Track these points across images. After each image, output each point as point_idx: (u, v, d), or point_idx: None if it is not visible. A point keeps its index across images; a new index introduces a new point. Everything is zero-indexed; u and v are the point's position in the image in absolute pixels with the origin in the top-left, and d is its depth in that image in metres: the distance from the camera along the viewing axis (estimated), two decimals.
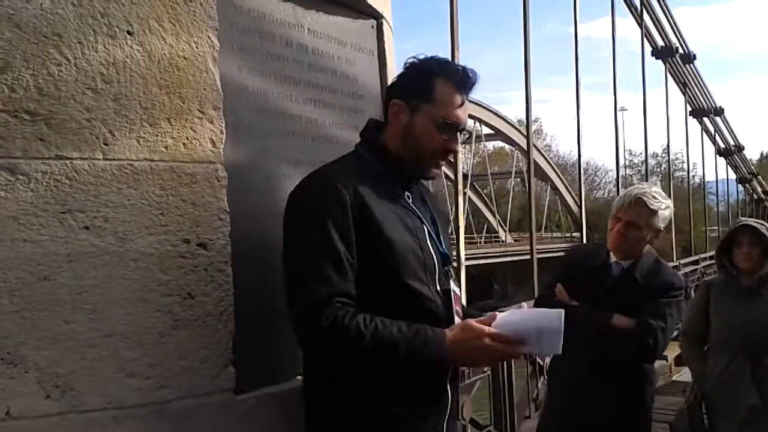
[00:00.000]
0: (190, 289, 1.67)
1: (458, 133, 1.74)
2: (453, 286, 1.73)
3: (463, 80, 1.72)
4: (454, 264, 1.84)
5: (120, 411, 1.59)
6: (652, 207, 2.63)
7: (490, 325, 1.58)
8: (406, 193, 1.75)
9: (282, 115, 1.98)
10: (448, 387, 1.68)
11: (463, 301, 1.79)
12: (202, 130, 1.74)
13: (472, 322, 1.60)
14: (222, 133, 1.77)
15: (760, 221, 3.38)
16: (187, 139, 1.72)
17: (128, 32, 1.67)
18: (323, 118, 2.11)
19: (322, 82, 2.13)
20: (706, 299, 3.42)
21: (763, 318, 3.16)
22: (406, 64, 1.78)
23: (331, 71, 2.17)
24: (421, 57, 1.76)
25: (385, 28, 2.44)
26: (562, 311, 1.60)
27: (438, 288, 1.68)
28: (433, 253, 1.70)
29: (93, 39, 1.62)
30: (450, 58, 6.25)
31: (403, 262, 1.62)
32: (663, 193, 2.73)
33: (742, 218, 3.62)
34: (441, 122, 1.69)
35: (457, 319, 1.69)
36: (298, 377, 1.78)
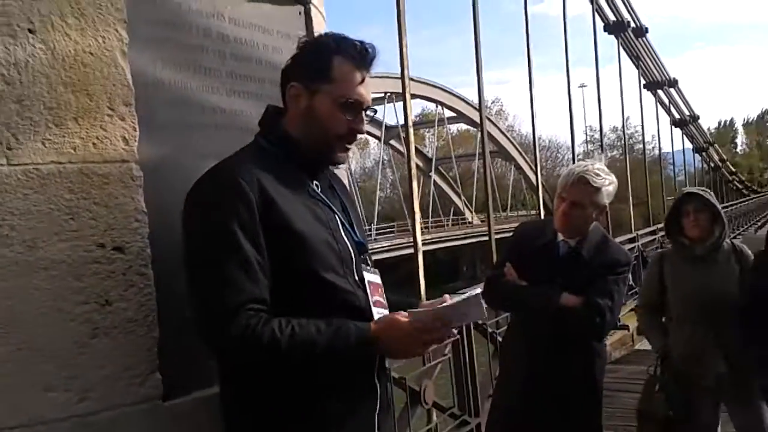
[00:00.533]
0: (107, 295, 1.60)
1: (363, 113, 1.66)
2: (369, 275, 1.67)
3: (362, 56, 1.64)
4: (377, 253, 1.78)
5: (39, 427, 1.52)
6: (595, 184, 2.62)
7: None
8: (314, 182, 1.67)
9: (203, 108, 1.90)
10: (376, 380, 1.62)
11: (382, 290, 1.72)
12: (112, 128, 1.66)
13: (400, 314, 1.55)
14: (135, 130, 1.69)
15: (704, 188, 3.40)
16: (97, 138, 1.64)
17: (29, 30, 1.58)
18: (249, 109, 2.03)
19: (247, 72, 2.06)
20: (659, 271, 3.42)
21: (719, 284, 3.17)
22: (299, 43, 1.69)
23: (256, 60, 2.10)
24: (315, 36, 1.68)
25: (314, 13, 2.37)
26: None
27: (356, 279, 1.62)
28: (348, 244, 1.64)
29: None
30: (398, 43, 6.21)
31: (317, 256, 1.55)
32: (606, 169, 2.71)
33: (686, 188, 3.62)
34: (343, 102, 1.62)
35: (375, 310, 1.63)
36: None
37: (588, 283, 2.62)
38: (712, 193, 3.36)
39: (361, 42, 1.65)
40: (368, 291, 1.64)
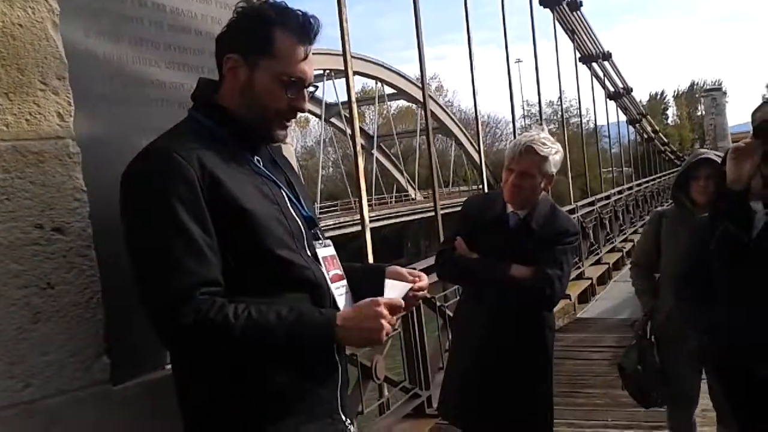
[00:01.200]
0: (48, 278, 1.53)
1: (305, 90, 1.60)
2: (323, 249, 1.64)
3: (305, 29, 1.55)
4: (321, 226, 1.72)
5: None
6: (542, 153, 2.64)
7: None
8: (255, 157, 1.61)
9: (141, 82, 1.83)
10: (336, 356, 1.60)
11: (338, 262, 1.69)
12: (46, 103, 1.58)
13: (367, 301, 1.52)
14: (70, 105, 1.61)
15: (718, 153, 3.24)
16: (30, 114, 1.55)
17: None
18: (189, 82, 1.94)
19: (186, 44, 1.98)
20: (657, 230, 3.40)
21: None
22: (236, 9, 1.59)
23: (195, 31, 2.02)
24: (255, 3, 1.59)
25: None
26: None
27: (309, 254, 1.59)
28: (297, 219, 1.60)
29: None
30: (338, 20, 6.12)
31: (269, 234, 1.49)
32: (551, 138, 2.73)
33: (701, 150, 3.46)
34: (286, 80, 1.55)
35: (333, 285, 1.61)
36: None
37: (537, 253, 2.65)
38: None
39: (304, 13, 1.57)
40: (323, 265, 1.61)
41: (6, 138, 1.52)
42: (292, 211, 1.60)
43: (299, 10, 1.58)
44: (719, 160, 3.08)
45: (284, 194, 1.61)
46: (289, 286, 1.50)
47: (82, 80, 1.66)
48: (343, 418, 1.62)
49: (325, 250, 1.66)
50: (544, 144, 2.64)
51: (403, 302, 1.55)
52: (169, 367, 1.65)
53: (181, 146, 1.46)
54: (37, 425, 1.51)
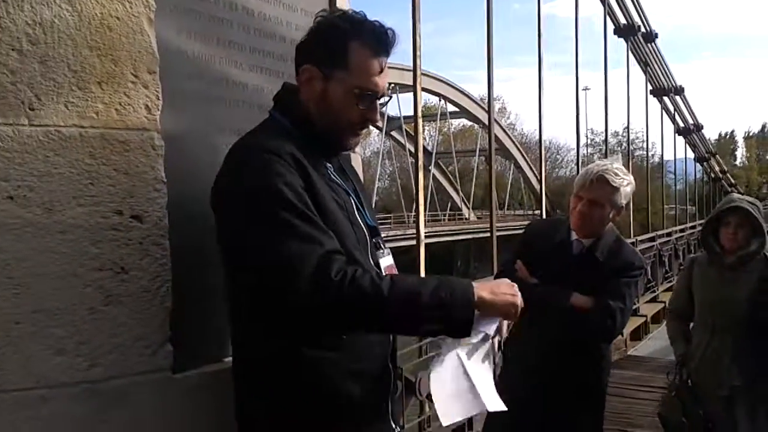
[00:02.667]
0: (123, 263, 1.59)
1: (378, 102, 1.61)
2: (384, 259, 1.65)
3: (382, 42, 1.55)
4: (383, 236, 1.74)
5: (49, 390, 1.52)
6: (614, 184, 2.60)
7: None
8: (327, 164, 1.63)
9: (225, 82, 1.89)
10: (390, 364, 1.62)
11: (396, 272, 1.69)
12: (136, 95, 1.64)
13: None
14: (158, 99, 1.68)
15: (752, 200, 3.24)
16: (120, 104, 1.62)
17: None
18: (271, 86, 2.00)
19: (270, 49, 2.04)
20: (689, 275, 3.37)
21: (741, 295, 3.10)
22: (315, 20, 1.61)
23: (280, 37, 2.08)
24: (334, 14, 1.62)
25: None
26: None
27: (371, 262, 1.60)
28: (363, 227, 1.62)
29: None
30: (412, 36, 6.15)
31: (345, 236, 1.51)
32: (624, 169, 2.69)
33: (734, 196, 3.41)
34: (358, 93, 1.55)
35: None
36: None
37: (600, 284, 2.60)
38: (758, 204, 3.24)
39: (381, 25, 1.57)
40: (384, 274, 1.62)
41: (95, 125, 1.59)
42: (359, 219, 1.62)
43: (376, 22, 1.59)
44: (751, 209, 3.10)
45: (353, 202, 1.63)
46: None
47: (171, 76, 1.72)
48: (393, 425, 1.64)
49: (386, 260, 1.68)
50: (616, 174, 2.60)
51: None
52: (228, 359, 1.68)
53: (277, 144, 1.49)
54: (99, 404, 1.56)
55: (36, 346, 1.50)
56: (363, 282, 1.37)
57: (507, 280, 1.55)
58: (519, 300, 1.51)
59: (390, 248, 1.73)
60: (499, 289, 1.51)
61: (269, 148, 1.47)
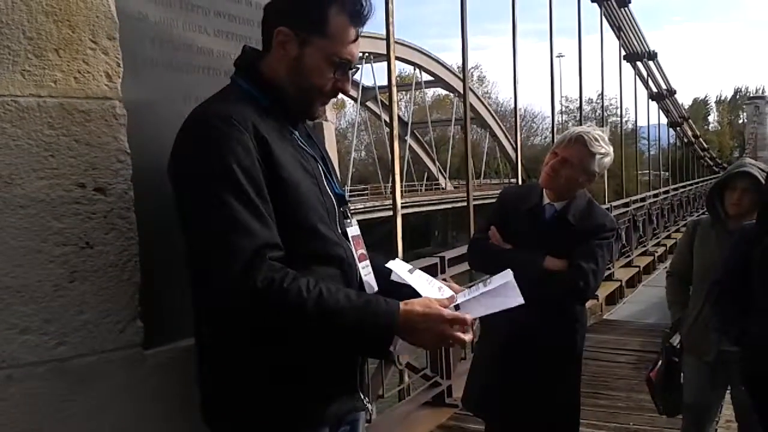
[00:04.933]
0: (88, 237, 1.53)
1: (350, 72, 1.58)
2: (351, 228, 1.62)
3: (359, 11, 1.54)
4: (350, 205, 1.70)
5: (15, 370, 1.46)
6: (591, 148, 2.58)
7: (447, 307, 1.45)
8: (294, 130, 1.59)
9: (189, 48, 1.81)
10: None
11: (363, 243, 1.67)
12: (95, 62, 1.57)
13: (434, 302, 1.45)
14: (119, 66, 1.61)
15: (764, 167, 3.14)
16: (79, 72, 1.55)
17: None
18: (237, 51, 1.94)
19: (236, 13, 1.96)
20: (691, 239, 3.33)
21: None
22: None
23: (245, 0, 2.01)
24: None
25: None
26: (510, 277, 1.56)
27: (339, 231, 1.57)
28: (331, 195, 1.58)
29: None
30: (384, 3, 6.06)
31: (309, 206, 1.48)
32: (606, 140, 2.66)
33: (747, 161, 3.31)
34: (335, 60, 1.53)
35: (360, 264, 1.59)
36: None
37: (572, 246, 2.61)
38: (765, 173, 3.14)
39: None
40: (351, 243, 1.60)
41: (54, 95, 1.52)
42: (327, 188, 1.58)
43: None
44: (760, 176, 3.03)
45: (321, 169, 1.59)
46: (322, 261, 1.49)
47: (132, 42, 1.65)
48: (362, 396, 1.61)
49: (353, 229, 1.65)
50: (596, 140, 2.58)
51: (470, 318, 1.45)
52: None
53: (236, 111, 1.44)
54: (67, 383, 1.52)
55: (0, 324, 1.45)
56: (289, 294, 1.34)
57: (442, 326, 1.41)
58: (441, 344, 1.44)
59: (368, 219, 1.70)
60: (431, 320, 1.40)
61: (228, 115, 1.42)
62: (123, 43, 1.62)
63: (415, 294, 1.50)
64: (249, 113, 1.45)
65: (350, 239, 1.60)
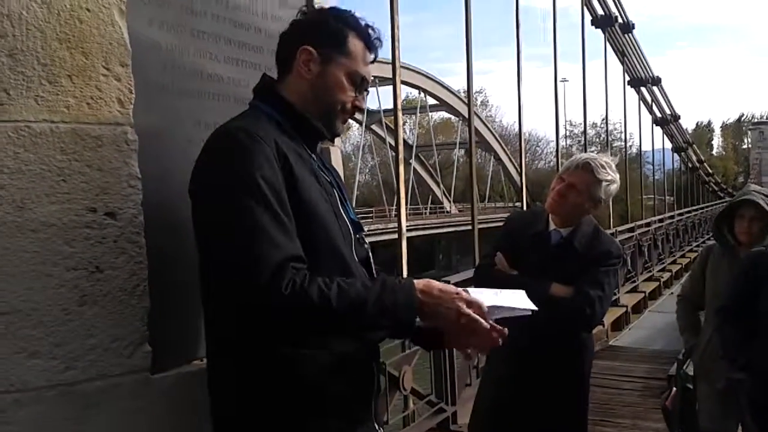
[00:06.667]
0: (98, 262, 1.54)
1: (365, 92, 1.67)
2: (366, 254, 1.64)
3: (373, 40, 1.64)
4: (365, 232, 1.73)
5: (23, 394, 1.47)
6: (597, 175, 2.60)
7: None
8: (312, 155, 1.62)
9: (200, 75, 1.84)
10: (374, 363, 1.59)
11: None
12: (108, 88, 1.60)
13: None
14: (131, 92, 1.63)
15: (766, 192, 3.16)
16: (92, 98, 1.57)
17: None
18: (247, 78, 1.96)
19: (246, 40, 1.99)
20: (703, 265, 3.33)
21: None
22: (309, 10, 1.67)
23: (255, 28, 2.03)
24: (330, 5, 1.66)
25: None
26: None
27: (355, 256, 1.58)
28: (347, 221, 1.60)
29: None
30: (390, 29, 6.13)
31: (328, 229, 1.50)
32: (614, 167, 2.68)
33: (751, 188, 3.33)
34: (355, 77, 1.61)
35: None
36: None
37: (578, 273, 2.61)
38: None
39: (369, 24, 1.65)
40: (372, 268, 1.62)
41: (66, 120, 1.54)
42: (343, 213, 1.59)
43: (365, 20, 1.65)
44: (765, 204, 3.04)
45: (336, 194, 1.61)
46: None
47: (144, 69, 1.67)
48: (376, 426, 1.61)
49: (367, 256, 1.66)
50: (603, 167, 2.60)
51: (485, 305, 1.50)
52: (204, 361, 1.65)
53: (260, 128, 1.48)
54: (75, 407, 1.51)
55: (9, 348, 1.45)
56: (311, 293, 1.36)
57: (458, 302, 1.47)
58: (462, 306, 1.47)
59: (372, 242, 1.72)
60: (444, 297, 1.47)
61: (253, 132, 1.44)
62: (135, 70, 1.65)
63: None
64: (271, 131, 1.49)
65: (366, 265, 1.62)
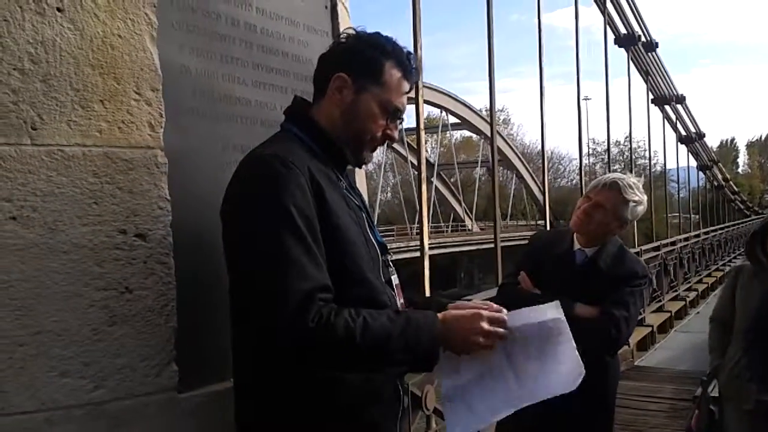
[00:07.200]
0: (127, 282, 1.57)
1: (398, 121, 1.65)
2: (393, 277, 1.64)
3: (411, 68, 1.62)
4: (392, 254, 1.73)
5: (53, 413, 1.49)
6: (624, 195, 2.58)
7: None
8: (341, 179, 1.62)
9: (228, 99, 1.88)
10: (399, 383, 1.59)
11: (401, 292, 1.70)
12: (139, 113, 1.63)
13: (470, 304, 1.55)
14: (161, 116, 1.67)
15: None
16: (123, 122, 1.61)
17: (58, 9, 1.56)
18: (274, 101, 2.00)
19: (273, 64, 2.03)
20: (733, 285, 3.27)
21: None
22: (349, 35, 1.64)
23: (282, 53, 2.07)
24: (367, 32, 1.64)
25: (340, 8, 2.35)
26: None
27: (383, 279, 1.58)
28: (375, 243, 1.60)
29: (20, 16, 1.51)
30: (412, 49, 6.18)
31: (358, 254, 1.50)
32: (641, 188, 2.66)
33: None
34: (388, 108, 1.60)
35: None
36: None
37: (604, 293, 2.58)
38: None
39: (409, 52, 1.64)
40: (396, 291, 1.62)
41: (98, 144, 1.58)
42: (371, 236, 1.60)
43: (407, 49, 1.64)
44: None
45: (364, 218, 1.62)
46: (368, 307, 1.47)
47: (174, 93, 1.71)
48: None
49: (395, 278, 1.66)
50: (630, 188, 2.58)
51: (505, 316, 1.53)
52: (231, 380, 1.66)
53: (293, 154, 1.47)
54: (104, 426, 1.54)
55: (40, 368, 1.48)
56: (337, 328, 1.35)
57: (479, 323, 1.50)
58: (479, 343, 1.49)
59: (393, 260, 1.72)
60: (465, 325, 1.50)
61: (285, 158, 1.44)
62: (165, 94, 1.68)
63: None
64: (304, 157, 1.49)
65: (393, 287, 1.62)
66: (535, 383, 1.56)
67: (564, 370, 1.58)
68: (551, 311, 1.60)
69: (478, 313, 1.51)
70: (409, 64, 1.62)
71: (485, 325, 1.49)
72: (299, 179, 1.43)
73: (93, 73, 1.58)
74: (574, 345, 1.59)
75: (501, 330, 1.51)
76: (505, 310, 1.56)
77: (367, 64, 1.59)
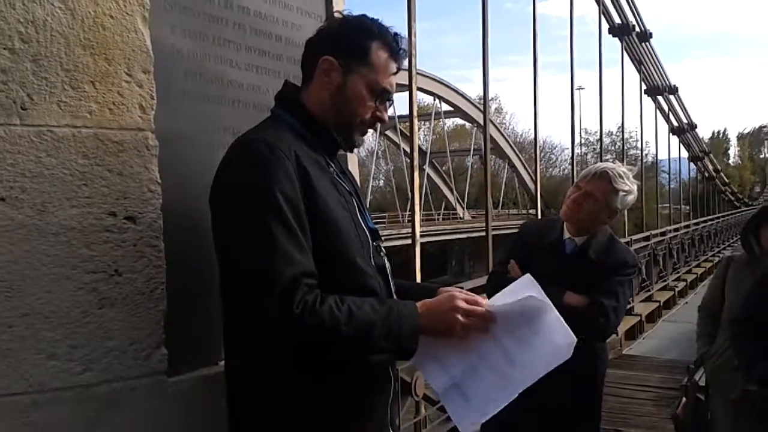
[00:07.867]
0: (117, 265, 1.56)
1: (388, 103, 1.64)
2: (384, 262, 1.64)
3: (398, 48, 1.61)
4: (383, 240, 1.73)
5: (41, 395, 1.48)
6: (614, 184, 2.59)
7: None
8: (331, 164, 1.62)
9: (220, 81, 1.86)
10: (391, 369, 1.59)
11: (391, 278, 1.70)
12: (130, 94, 1.62)
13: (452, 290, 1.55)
14: (152, 98, 1.65)
15: None
16: (114, 104, 1.59)
17: None
18: (267, 85, 1.99)
19: (266, 48, 2.02)
20: (724, 275, 3.29)
21: None
22: (335, 18, 1.64)
23: (276, 36, 2.06)
24: (353, 13, 1.63)
25: None
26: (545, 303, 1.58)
27: (373, 264, 1.58)
28: (365, 229, 1.60)
29: None
30: (407, 35, 6.14)
31: (347, 239, 1.50)
32: (632, 178, 2.67)
33: None
34: (376, 89, 1.59)
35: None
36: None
37: (593, 282, 2.60)
38: None
39: (396, 33, 1.62)
40: (388, 276, 1.62)
41: (89, 125, 1.56)
42: (362, 221, 1.60)
43: (393, 29, 1.63)
44: None
45: (355, 203, 1.61)
46: (358, 293, 1.48)
47: (166, 75, 1.70)
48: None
49: (385, 263, 1.66)
50: (620, 177, 2.59)
51: (481, 299, 1.54)
52: (223, 363, 1.66)
53: (281, 140, 1.47)
54: (92, 409, 1.53)
55: (28, 350, 1.47)
56: (323, 314, 1.36)
57: (454, 302, 1.51)
58: (458, 322, 1.50)
59: (384, 247, 1.71)
60: (439, 317, 1.50)
61: (273, 144, 1.44)
62: (157, 76, 1.67)
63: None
64: (292, 143, 1.49)
65: (385, 273, 1.63)
66: (531, 361, 1.56)
67: (555, 340, 1.59)
68: (527, 288, 1.59)
69: (451, 294, 1.53)
70: (396, 45, 1.61)
71: (461, 304, 1.50)
72: (286, 166, 1.42)
73: (84, 53, 1.56)
74: (558, 314, 1.59)
75: (479, 308, 1.51)
76: (480, 298, 1.56)
77: (354, 45, 1.58)
